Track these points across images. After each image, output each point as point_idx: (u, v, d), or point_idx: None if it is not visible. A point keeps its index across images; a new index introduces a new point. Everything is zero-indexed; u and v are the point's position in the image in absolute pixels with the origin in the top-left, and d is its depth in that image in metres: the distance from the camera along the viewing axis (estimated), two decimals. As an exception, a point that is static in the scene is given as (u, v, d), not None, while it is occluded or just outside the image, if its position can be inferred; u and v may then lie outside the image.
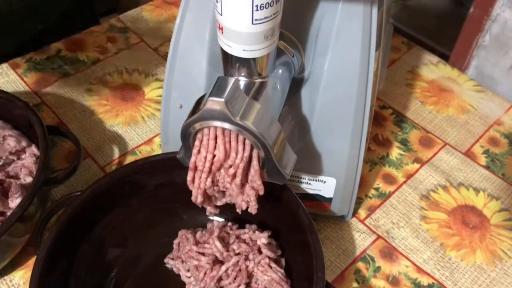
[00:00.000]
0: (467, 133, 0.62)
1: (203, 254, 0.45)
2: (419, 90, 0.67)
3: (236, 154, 0.37)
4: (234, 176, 0.38)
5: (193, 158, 0.39)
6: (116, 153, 0.59)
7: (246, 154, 0.37)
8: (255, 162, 0.38)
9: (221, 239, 0.45)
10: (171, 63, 0.47)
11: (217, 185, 0.40)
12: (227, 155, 0.38)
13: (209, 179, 0.39)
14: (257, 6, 0.33)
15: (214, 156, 0.38)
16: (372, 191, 0.56)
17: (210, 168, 0.38)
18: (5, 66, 0.67)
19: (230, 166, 0.38)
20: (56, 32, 0.72)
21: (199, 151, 0.38)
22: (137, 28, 0.74)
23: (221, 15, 0.34)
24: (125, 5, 1.10)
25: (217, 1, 0.34)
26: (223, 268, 0.44)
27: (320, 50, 0.44)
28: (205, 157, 0.38)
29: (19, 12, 0.70)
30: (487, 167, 0.59)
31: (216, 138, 0.37)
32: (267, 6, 0.33)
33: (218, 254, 0.44)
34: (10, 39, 0.72)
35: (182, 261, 0.47)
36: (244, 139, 0.37)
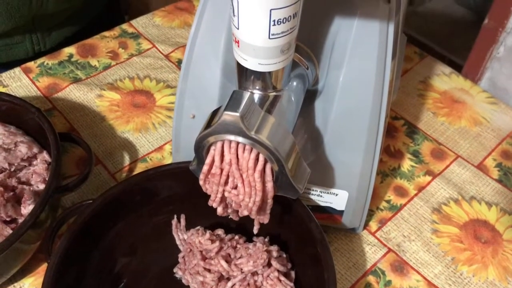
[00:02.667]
0: (479, 146, 0.62)
1: (209, 270, 0.44)
2: (431, 101, 0.67)
3: (250, 198, 0.38)
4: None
5: (203, 188, 0.39)
6: (127, 160, 0.59)
7: (258, 198, 0.38)
8: (269, 201, 0.39)
9: (228, 255, 0.45)
10: (184, 72, 0.47)
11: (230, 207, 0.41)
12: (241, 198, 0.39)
13: (221, 206, 0.40)
14: (274, 21, 0.33)
15: (225, 184, 0.38)
16: (384, 204, 0.56)
17: (222, 198, 0.39)
18: (17, 70, 0.67)
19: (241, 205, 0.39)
20: (90, 34, 0.73)
21: (206, 178, 0.39)
22: (148, 34, 0.74)
23: (238, 29, 0.34)
24: (136, 10, 1.10)
25: (234, 15, 0.34)
26: (229, 284, 0.43)
27: (335, 63, 0.43)
28: (217, 190, 0.39)
29: (63, 12, 0.72)
30: (499, 181, 0.58)
31: (228, 175, 0.38)
32: (284, 21, 0.33)
33: (224, 273, 0.44)
34: (50, 38, 0.74)
35: (190, 274, 0.46)
36: (255, 163, 0.37)
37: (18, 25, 0.67)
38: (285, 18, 0.33)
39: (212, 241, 0.45)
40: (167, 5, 0.79)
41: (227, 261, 0.45)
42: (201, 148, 0.38)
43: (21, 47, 0.71)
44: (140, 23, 0.76)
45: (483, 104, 0.67)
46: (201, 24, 0.46)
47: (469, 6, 1.42)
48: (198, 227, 0.48)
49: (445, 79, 0.70)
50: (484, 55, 0.68)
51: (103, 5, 0.81)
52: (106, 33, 0.73)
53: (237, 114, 0.35)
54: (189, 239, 0.47)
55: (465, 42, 0.76)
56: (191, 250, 0.47)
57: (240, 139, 0.36)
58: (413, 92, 0.68)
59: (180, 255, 0.48)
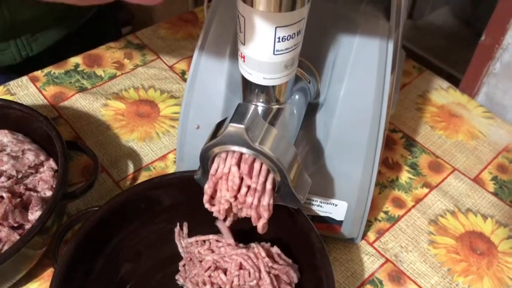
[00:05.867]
0: (476, 159, 0.63)
1: (209, 282, 0.45)
2: (429, 115, 0.68)
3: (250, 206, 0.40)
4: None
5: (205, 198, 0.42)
6: (131, 169, 0.60)
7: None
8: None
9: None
10: (190, 83, 0.49)
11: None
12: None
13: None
14: (279, 38, 0.34)
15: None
16: (382, 214, 0.57)
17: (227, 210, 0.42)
18: (24, 79, 0.69)
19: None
20: (79, 41, 0.73)
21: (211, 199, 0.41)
22: (153, 45, 0.75)
23: (244, 44, 0.36)
24: (139, 21, 1.12)
25: (240, 32, 0.35)
26: None
27: (336, 77, 0.45)
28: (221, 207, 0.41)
29: (45, 17, 0.71)
30: (495, 194, 0.60)
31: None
32: (288, 38, 0.35)
33: (223, 287, 0.45)
34: (37, 43, 0.73)
35: (191, 282, 0.47)
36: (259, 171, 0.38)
37: None
38: (290, 35, 0.34)
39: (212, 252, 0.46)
40: (171, 17, 0.81)
41: (226, 274, 0.46)
42: (206, 158, 0.40)
43: (7, 53, 0.70)
44: (145, 34, 0.77)
45: (480, 119, 0.68)
46: (207, 38, 0.47)
47: (467, 20, 1.44)
48: (197, 237, 0.49)
49: (442, 94, 0.71)
50: (481, 70, 0.69)
51: (94, 10, 0.79)
52: (111, 44, 0.75)
53: (242, 126, 0.36)
54: (189, 249, 0.48)
55: (463, 56, 0.78)
56: (191, 259, 0.48)
57: (244, 150, 0.37)
58: (411, 106, 0.69)
59: (181, 263, 0.49)
